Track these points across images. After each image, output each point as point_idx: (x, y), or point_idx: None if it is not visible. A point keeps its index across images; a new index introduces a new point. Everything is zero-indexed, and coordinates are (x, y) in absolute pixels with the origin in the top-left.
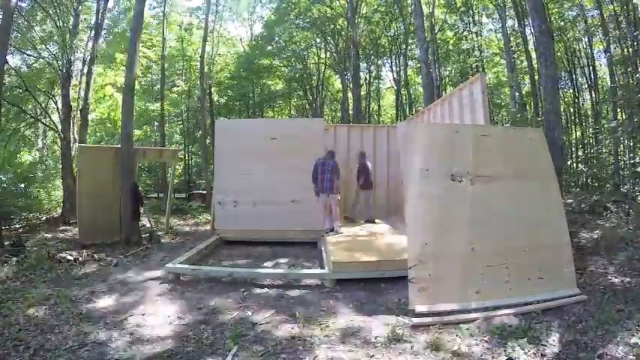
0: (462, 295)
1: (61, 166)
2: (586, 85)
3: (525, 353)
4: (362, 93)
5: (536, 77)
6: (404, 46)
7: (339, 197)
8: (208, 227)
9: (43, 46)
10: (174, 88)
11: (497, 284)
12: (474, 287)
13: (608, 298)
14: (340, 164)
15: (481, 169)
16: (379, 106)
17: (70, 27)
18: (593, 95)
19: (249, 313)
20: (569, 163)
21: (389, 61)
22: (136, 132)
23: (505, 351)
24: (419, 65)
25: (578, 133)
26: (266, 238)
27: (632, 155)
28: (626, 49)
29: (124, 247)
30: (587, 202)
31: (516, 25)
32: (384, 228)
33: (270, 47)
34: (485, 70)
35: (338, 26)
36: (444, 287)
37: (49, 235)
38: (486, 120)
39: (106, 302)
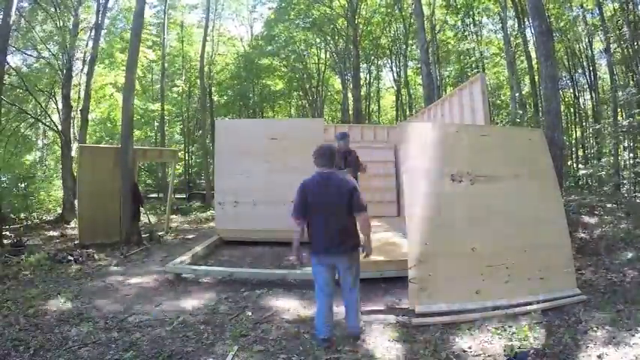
0: (462, 295)
1: (61, 166)
2: (586, 85)
3: (525, 353)
4: (362, 93)
5: (536, 77)
6: (404, 47)
7: None
8: (208, 227)
9: (44, 46)
10: (175, 88)
11: (497, 284)
12: (474, 287)
13: (608, 298)
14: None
15: (481, 169)
16: (379, 106)
17: (70, 27)
18: (593, 95)
19: (250, 313)
20: (569, 163)
21: (389, 61)
22: (136, 132)
23: (505, 351)
24: (419, 66)
25: (578, 133)
26: (266, 238)
27: (632, 155)
28: (626, 50)
29: (124, 247)
30: (587, 202)
31: (516, 25)
32: (384, 228)
33: (270, 47)
34: (486, 70)
35: (338, 26)
36: (444, 287)
37: (49, 235)
38: (486, 120)
39: (106, 302)
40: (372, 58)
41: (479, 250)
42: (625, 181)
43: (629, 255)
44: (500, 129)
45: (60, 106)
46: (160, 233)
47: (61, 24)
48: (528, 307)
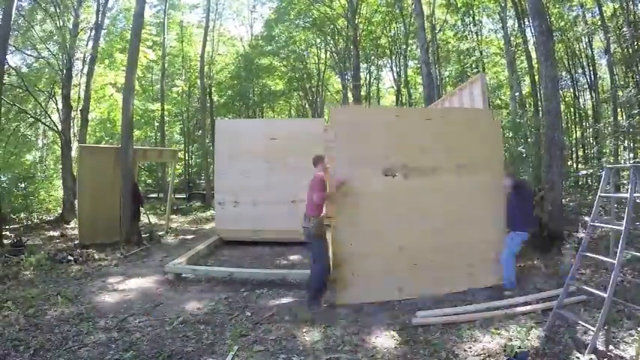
0: (385, 293)
1: (61, 166)
2: (586, 85)
3: (525, 353)
4: (362, 93)
5: (536, 77)
6: (404, 47)
7: None
8: (208, 227)
9: (43, 46)
10: (174, 88)
11: (422, 281)
12: (398, 285)
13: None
14: None
15: (420, 160)
16: None
17: (70, 27)
18: (593, 95)
19: (249, 313)
20: (569, 163)
21: (389, 61)
22: (136, 132)
23: (505, 351)
24: (419, 65)
25: (578, 133)
26: (266, 239)
27: (632, 155)
28: (626, 50)
29: (124, 247)
30: (587, 202)
31: (516, 25)
32: None
33: (270, 47)
34: (486, 70)
35: (338, 26)
36: (367, 285)
37: (49, 235)
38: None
39: (106, 302)
40: (372, 58)
41: (406, 249)
42: (625, 181)
43: (629, 255)
44: (447, 111)
45: (60, 106)
46: (160, 233)
47: (61, 24)
48: (528, 307)
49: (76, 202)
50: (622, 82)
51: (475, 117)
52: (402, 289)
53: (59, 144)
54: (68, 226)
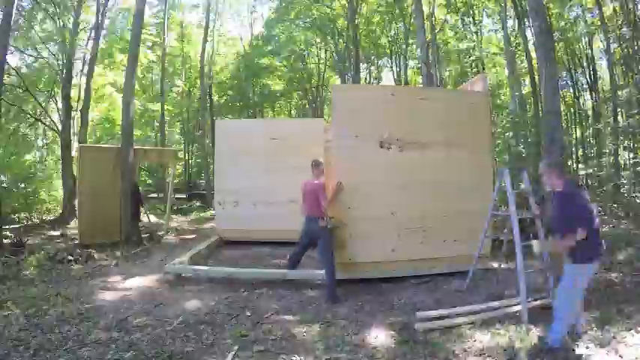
0: (379, 253)
1: (61, 166)
2: (586, 85)
3: (526, 353)
4: None
5: (536, 77)
6: (404, 47)
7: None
8: (208, 227)
9: (43, 46)
10: (174, 88)
11: (412, 244)
12: (390, 246)
13: (608, 298)
14: None
15: (413, 136)
16: None
17: (70, 27)
18: (593, 95)
19: (249, 313)
20: (569, 163)
21: (389, 61)
22: (136, 132)
23: (505, 351)
24: (419, 65)
25: (578, 133)
26: (266, 239)
27: (632, 155)
28: (626, 49)
29: (124, 246)
30: None
31: (516, 25)
32: None
33: (270, 47)
34: (486, 70)
35: (338, 26)
36: (363, 246)
37: (49, 235)
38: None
39: (106, 302)
40: (372, 58)
41: (398, 214)
42: (625, 181)
43: (629, 255)
44: (440, 92)
45: (60, 106)
46: (160, 233)
47: (61, 24)
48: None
49: (76, 202)
50: (622, 82)
51: (466, 99)
52: (395, 250)
53: (59, 144)
54: (68, 226)
